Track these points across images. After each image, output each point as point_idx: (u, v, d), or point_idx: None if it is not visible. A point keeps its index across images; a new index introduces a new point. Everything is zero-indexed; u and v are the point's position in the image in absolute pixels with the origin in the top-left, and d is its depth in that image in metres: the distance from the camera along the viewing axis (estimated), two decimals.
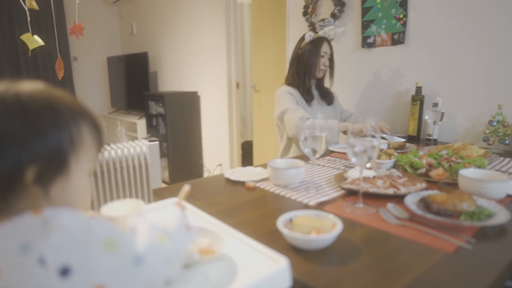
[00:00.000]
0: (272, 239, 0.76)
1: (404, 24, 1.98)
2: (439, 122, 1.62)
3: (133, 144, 2.36)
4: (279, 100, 1.80)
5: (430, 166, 1.19)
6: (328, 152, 1.62)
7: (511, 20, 1.61)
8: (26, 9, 1.53)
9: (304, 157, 1.38)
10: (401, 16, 1.99)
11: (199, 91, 3.79)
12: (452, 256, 0.69)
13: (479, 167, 1.15)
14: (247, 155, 3.78)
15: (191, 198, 1.03)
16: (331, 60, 1.87)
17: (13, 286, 0.40)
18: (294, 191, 1.08)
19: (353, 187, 1.04)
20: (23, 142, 0.44)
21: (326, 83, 1.97)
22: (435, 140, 1.81)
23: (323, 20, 2.32)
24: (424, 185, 1.04)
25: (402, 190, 1.00)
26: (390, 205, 0.91)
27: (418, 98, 1.88)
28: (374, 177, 1.11)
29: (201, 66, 3.69)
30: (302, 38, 1.86)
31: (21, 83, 0.48)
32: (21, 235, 0.42)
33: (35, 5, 1.56)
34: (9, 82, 0.47)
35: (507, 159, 1.41)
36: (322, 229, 0.72)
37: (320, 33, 1.83)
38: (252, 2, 3.38)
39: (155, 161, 2.41)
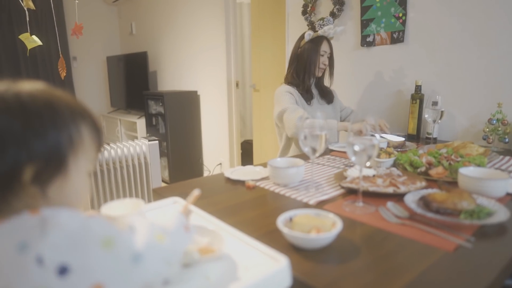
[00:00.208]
0: (272, 238, 0.76)
1: (404, 23, 1.98)
2: (439, 121, 1.62)
3: (133, 143, 2.36)
4: (279, 99, 1.80)
5: (430, 165, 1.19)
6: (328, 151, 1.62)
7: (510, 19, 1.61)
8: (26, 8, 1.53)
9: (304, 156, 1.38)
10: (401, 14, 1.98)
11: (198, 91, 3.78)
12: (452, 254, 0.69)
13: (478, 165, 1.15)
14: (247, 154, 3.78)
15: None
16: (330, 58, 1.87)
17: (11, 285, 0.40)
18: (294, 190, 1.08)
19: (353, 186, 1.04)
20: (22, 141, 0.44)
21: (326, 82, 1.97)
22: (434, 138, 1.81)
23: (322, 19, 2.32)
24: (424, 183, 1.04)
25: (402, 189, 1.00)
26: (390, 204, 0.92)
27: (417, 96, 1.88)
28: (374, 176, 1.11)
29: (201, 66, 3.69)
30: (302, 37, 1.85)
31: (21, 83, 0.48)
32: (19, 235, 0.42)
33: (31, 5, 1.56)
34: (9, 82, 0.47)
35: (507, 158, 1.41)
36: (322, 228, 0.72)
37: (320, 32, 1.82)
38: (252, 1, 3.38)
39: (155, 160, 2.41)
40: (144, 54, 3.98)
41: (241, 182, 1.18)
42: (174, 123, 3.60)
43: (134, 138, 4.21)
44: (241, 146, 3.65)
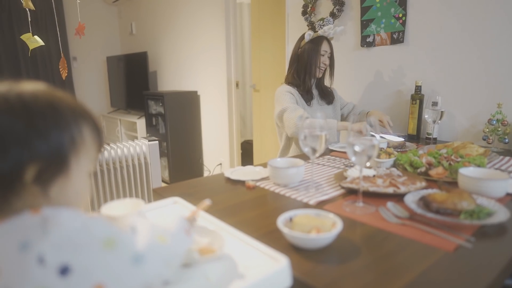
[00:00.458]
0: (272, 238, 0.76)
1: (404, 23, 1.98)
2: (439, 121, 1.62)
3: (133, 143, 2.36)
4: (279, 99, 1.80)
5: (430, 165, 1.19)
6: (328, 151, 1.62)
7: (510, 19, 1.61)
8: (27, 9, 1.53)
9: (304, 156, 1.38)
10: (400, 15, 1.99)
11: (198, 91, 3.78)
12: (452, 254, 0.69)
13: (478, 166, 1.15)
14: (247, 155, 3.78)
15: (191, 197, 1.03)
16: (331, 58, 1.87)
17: (12, 285, 0.40)
18: (294, 190, 1.08)
19: (353, 186, 1.04)
20: (25, 141, 0.44)
21: (326, 82, 1.97)
22: (434, 139, 1.81)
23: (322, 19, 2.32)
24: (424, 184, 1.04)
25: (402, 189, 1.00)
26: (390, 204, 0.92)
27: (417, 97, 1.88)
28: (374, 176, 1.11)
29: (201, 66, 3.69)
30: (302, 37, 1.86)
31: (23, 83, 0.48)
32: (20, 234, 0.42)
33: (31, 5, 1.56)
34: (11, 82, 0.48)
35: (507, 158, 1.41)
36: (322, 228, 0.72)
37: (320, 32, 1.83)
38: (252, 1, 3.38)
39: (155, 160, 2.41)
40: (144, 54, 3.98)
41: (241, 182, 1.18)
42: (174, 123, 3.61)
43: (134, 138, 4.21)
44: (241, 146, 3.65)
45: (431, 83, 1.91)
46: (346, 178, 1.14)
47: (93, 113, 0.54)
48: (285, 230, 0.72)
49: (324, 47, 1.82)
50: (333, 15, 2.29)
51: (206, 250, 0.62)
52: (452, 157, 1.21)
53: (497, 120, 1.59)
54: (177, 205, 0.91)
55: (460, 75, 1.81)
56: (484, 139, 1.66)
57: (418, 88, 1.88)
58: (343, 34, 2.30)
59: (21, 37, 1.55)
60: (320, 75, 1.89)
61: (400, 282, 0.60)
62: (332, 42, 1.88)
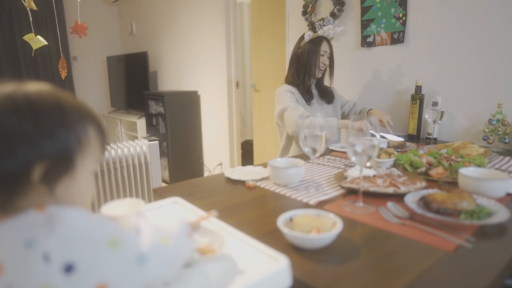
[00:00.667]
0: (272, 238, 0.76)
1: (404, 23, 1.98)
2: (439, 121, 1.62)
3: (133, 143, 2.36)
4: (279, 98, 1.80)
5: (430, 165, 1.19)
6: (328, 151, 1.62)
7: (510, 19, 1.61)
8: (28, 9, 1.53)
9: (304, 156, 1.38)
10: (401, 15, 1.98)
11: (199, 91, 3.79)
12: (452, 254, 0.69)
13: (479, 166, 1.15)
14: (247, 154, 3.78)
15: (191, 197, 1.03)
16: (330, 58, 1.87)
17: (16, 282, 0.41)
18: (294, 190, 1.08)
19: (353, 186, 1.04)
20: (33, 141, 0.44)
21: (326, 82, 1.97)
22: (435, 139, 1.81)
23: (322, 19, 2.32)
24: (424, 184, 1.04)
25: (402, 189, 1.00)
26: (390, 204, 0.92)
27: (417, 97, 1.88)
28: (374, 176, 1.11)
29: (201, 66, 3.69)
30: (302, 38, 1.86)
31: (28, 84, 0.49)
32: (26, 232, 0.43)
33: (33, 5, 1.56)
34: (16, 83, 0.48)
35: (507, 158, 1.41)
36: (322, 228, 0.72)
37: (319, 32, 1.83)
38: (252, 1, 3.38)
39: (155, 160, 2.41)
40: (145, 54, 3.98)
41: (241, 182, 1.18)
42: (175, 123, 3.61)
43: (134, 138, 4.21)
44: (241, 146, 3.65)
45: (431, 83, 1.91)
46: (346, 178, 1.14)
47: (96, 114, 0.54)
48: (285, 230, 0.72)
49: (324, 47, 1.82)
50: (333, 15, 2.29)
51: (206, 250, 0.62)
52: (452, 157, 1.21)
53: (497, 120, 1.59)
54: (177, 205, 0.91)
55: (460, 75, 1.81)
56: (484, 139, 1.66)
57: (418, 88, 1.88)
58: (344, 34, 2.30)
59: (23, 37, 1.54)
60: (320, 76, 1.90)
61: (400, 282, 0.60)
62: (333, 42, 1.88)
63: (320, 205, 0.96)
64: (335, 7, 2.27)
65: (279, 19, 2.91)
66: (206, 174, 3.90)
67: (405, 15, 1.97)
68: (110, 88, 4.88)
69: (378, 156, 1.29)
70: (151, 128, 3.87)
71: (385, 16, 2.05)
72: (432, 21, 1.88)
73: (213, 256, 0.61)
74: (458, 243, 0.72)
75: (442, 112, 1.60)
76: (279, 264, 0.58)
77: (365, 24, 2.16)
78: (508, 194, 0.99)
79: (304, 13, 2.46)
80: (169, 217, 0.60)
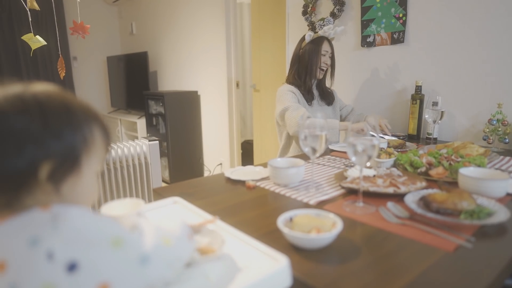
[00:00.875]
0: (272, 238, 0.76)
1: (404, 23, 1.98)
2: (439, 121, 1.62)
3: (133, 143, 2.36)
4: (281, 98, 1.80)
5: (430, 165, 1.19)
6: (328, 151, 1.62)
7: (511, 19, 1.61)
8: (28, 9, 1.53)
9: (304, 156, 1.38)
10: (401, 15, 1.98)
11: (199, 91, 3.79)
12: (452, 254, 0.69)
13: (479, 166, 1.15)
14: (247, 154, 3.78)
15: (191, 197, 1.03)
16: (332, 58, 1.87)
17: (19, 279, 0.41)
18: (294, 190, 1.08)
19: (353, 186, 1.04)
20: (41, 140, 0.45)
21: (327, 82, 1.97)
22: (435, 139, 1.81)
23: (322, 19, 2.32)
24: (424, 184, 1.04)
25: (402, 189, 1.00)
26: (390, 204, 0.92)
27: (417, 97, 1.88)
28: (374, 176, 1.11)
29: (201, 66, 3.69)
30: (303, 39, 1.86)
31: (35, 85, 0.50)
32: (30, 229, 0.43)
33: (36, 6, 1.56)
34: (24, 84, 0.49)
35: (507, 158, 1.41)
36: (322, 228, 0.72)
37: (320, 32, 1.83)
38: (252, 1, 3.38)
39: (155, 160, 2.41)
40: (145, 54, 3.98)
41: (242, 182, 1.18)
42: (175, 123, 3.61)
43: (134, 138, 4.21)
44: (241, 146, 3.65)
45: (432, 83, 1.91)
46: (346, 178, 1.14)
47: (101, 115, 0.55)
48: (285, 230, 0.72)
49: (325, 47, 1.82)
50: (333, 15, 2.29)
51: (206, 250, 0.62)
52: (453, 157, 1.21)
53: (497, 120, 1.59)
54: (177, 205, 0.91)
55: (460, 75, 1.81)
56: (485, 139, 1.66)
57: (418, 88, 1.88)
58: (344, 34, 2.30)
59: (22, 37, 1.54)
60: (321, 76, 1.90)
61: (400, 282, 0.60)
62: (333, 42, 1.88)
63: (320, 205, 0.96)
64: (335, 7, 2.27)
65: (279, 19, 2.91)
66: (206, 174, 3.90)
67: (405, 15, 1.97)
68: (110, 88, 4.88)
69: (378, 156, 1.29)
70: (151, 128, 3.87)
71: (385, 16, 2.05)
72: (432, 21, 1.88)
73: (213, 256, 0.61)
74: (458, 243, 0.72)
75: (442, 112, 1.60)
76: (279, 264, 0.58)
77: (365, 24, 2.16)
78: (508, 194, 0.99)
79: (304, 13, 2.46)
80: (169, 218, 0.60)
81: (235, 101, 3.44)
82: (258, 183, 1.15)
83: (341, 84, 2.29)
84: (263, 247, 0.64)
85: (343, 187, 1.08)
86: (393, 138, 1.71)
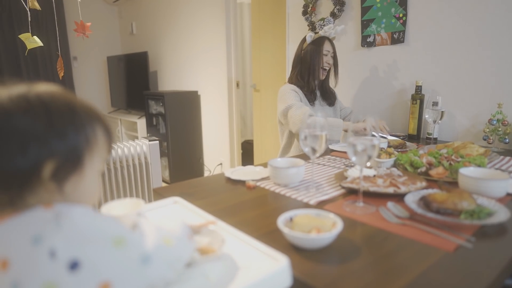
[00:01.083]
0: (273, 238, 0.77)
1: (404, 23, 1.98)
2: (439, 121, 1.62)
3: (133, 143, 2.36)
4: (283, 96, 1.80)
5: (430, 165, 1.19)
6: (328, 151, 1.62)
7: (511, 19, 1.61)
8: (28, 9, 1.53)
9: (304, 156, 1.38)
10: (401, 15, 1.98)
11: (199, 91, 3.79)
12: (452, 254, 0.69)
13: (479, 165, 1.15)
14: (247, 154, 3.78)
15: (192, 197, 1.04)
16: (334, 58, 1.87)
17: (21, 277, 0.41)
18: (294, 190, 1.08)
19: (353, 186, 1.04)
20: (45, 140, 0.46)
21: (331, 82, 1.96)
22: (435, 139, 1.81)
23: (322, 19, 2.32)
24: (424, 184, 1.04)
25: (402, 189, 1.00)
26: (390, 204, 0.92)
27: (418, 97, 1.88)
28: (374, 176, 1.11)
29: (201, 66, 3.69)
30: (304, 40, 1.86)
31: (39, 85, 0.50)
32: (33, 228, 0.43)
33: (37, 5, 1.56)
34: (28, 84, 0.50)
35: (507, 158, 1.41)
36: (322, 228, 0.72)
37: (320, 32, 1.83)
38: (252, 1, 3.38)
39: (156, 160, 2.41)
40: (145, 54, 3.98)
41: (242, 182, 1.18)
42: (175, 123, 3.61)
43: (134, 138, 4.21)
44: (241, 146, 3.65)
45: (432, 83, 1.91)
46: (346, 178, 1.14)
47: (103, 115, 0.56)
48: (285, 230, 0.72)
49: (327, 47, 1.82)
50: (333, 15, 2.29)
51: (206, 250, 0.62)
52: (453, 157, 1.21)
53: (498, 120, 1.59)
54: (177, 205, 0.91)
55: (460, 75, 1.81)
56: (485, 139, 1.66)
57: (418, 88, 1.88)
58: (344, 34, 2.30)
59: (19, 36, 1.55)
60: (324, 77, 1.89)
61: (400, 282, 0.60)
62: (333, 42, 1.88)
63: (320, 205, 0.96)
64: (335, 7, 2.27)
65: (279, 19, 2.91)
66: (206, 174, 3.90)
67: (405, 15, 1.97)
68: (110, 88, 4.88)
69: (378, 156, 1.29)
70: (151, 128, 3.87)
71: (385, 16, 2.05)
72: (432, 21, 1.88)
73: (213, 256, 0.61)
74: (458, 243, 0.72)
75: (442, 112, 1.60)
76: (279, 264, 0.58)
77: (365, 24, 2.16)
78: (508, 194, 0.99)
79: (304, 13, 2.46)
80: (169, 218, 0.61)
81: (235, 101, 3.44)
82: (258, 183, 1.15)
83: (341, 84, 2.29)
84: (263, 247, 0.64)
85: (343, 187, 1.08)
86: (393, 138, 1.72)
